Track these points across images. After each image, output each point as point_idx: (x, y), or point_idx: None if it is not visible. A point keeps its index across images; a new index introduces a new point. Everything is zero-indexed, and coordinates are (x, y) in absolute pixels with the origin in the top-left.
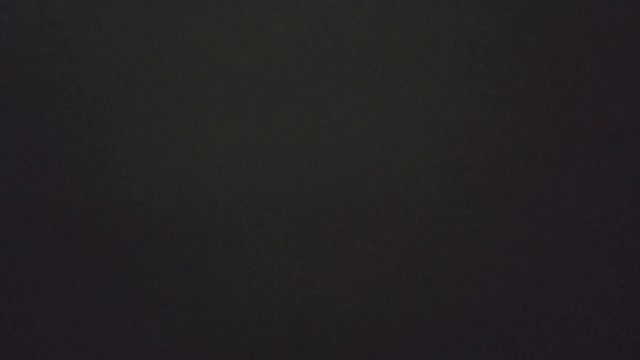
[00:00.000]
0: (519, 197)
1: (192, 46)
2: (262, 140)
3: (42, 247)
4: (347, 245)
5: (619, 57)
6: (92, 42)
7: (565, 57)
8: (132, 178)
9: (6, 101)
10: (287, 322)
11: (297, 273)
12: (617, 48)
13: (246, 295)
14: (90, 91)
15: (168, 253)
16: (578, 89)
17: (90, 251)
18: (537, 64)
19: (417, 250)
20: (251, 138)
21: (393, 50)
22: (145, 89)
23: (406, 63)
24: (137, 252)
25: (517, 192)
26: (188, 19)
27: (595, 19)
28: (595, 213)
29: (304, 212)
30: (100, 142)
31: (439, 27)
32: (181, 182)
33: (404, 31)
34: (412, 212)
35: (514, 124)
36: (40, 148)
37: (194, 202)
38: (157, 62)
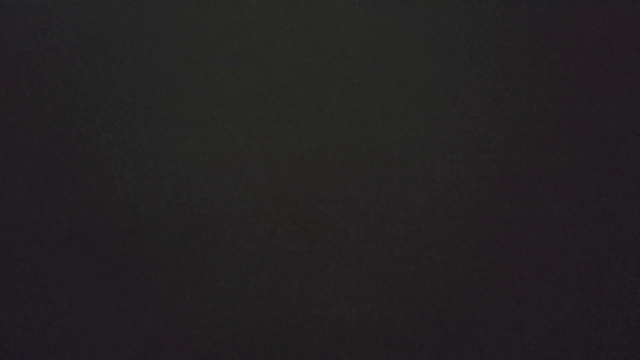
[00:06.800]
0: (522, 196)
1: (197, 46)
2: (266, 141)
3: (44, 248)
4: (351, 246)
5: (620, 56)
6: (96, 42)
7: (567, 55)
8: (135, 179)
9: (9, 102)
10: (290, 325)
11: (300, 275)
12: (618, 48)
13: (248, 297)
14: (93, 92)
15: (171, 255)
16: (580, 88)
17: (92, 253)
18: (539, 63)
19: (420, 250)
20: (255, 139)
21: (395, 50)
22: (148, 89)
23: (409, 63)
24: (140, 254)
25: (520, 190)
26: (190, 18)
27: (597, 17)
28: (598, 212)
29: (306, 212)
30: (103, 143)
31: (442, 26)
32: (184, 184)
33: (407, 31)
34: (416, 212)
35: (517, 122)
36: (44, 148)
37: (197, 205)
38: (161, 62)
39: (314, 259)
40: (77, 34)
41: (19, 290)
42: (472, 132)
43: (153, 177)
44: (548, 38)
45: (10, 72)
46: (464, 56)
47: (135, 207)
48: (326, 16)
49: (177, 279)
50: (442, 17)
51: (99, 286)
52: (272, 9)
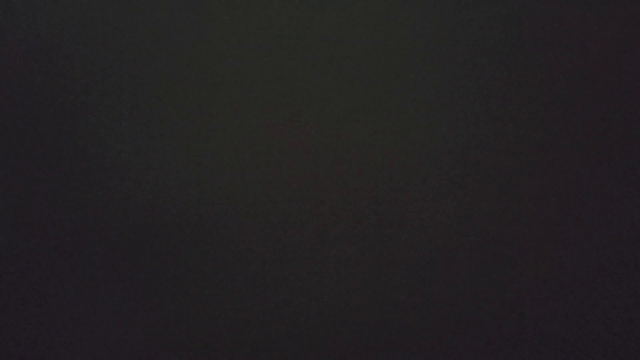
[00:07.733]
0: (523, 196)
1: (193, 46)
2: (265, 141)
3: (45, 249)
4: (351, 245)
5: (620, 56)
6: (92, 41)
7: (568, 55)
8: (133, 180)
9: (9, 102)
10: (291, 323)
11: (302, 275)
12: (618, 48)
13: (249, 296)
14: (90, 92)
15: (172, 255)
16: (581, 88)
17: (93, 253)
18: (540, 62)
19: (422, 249)
20: (255, 139)
21: (396, 49)
22: (146, 89)
23: (410, 63)
24: (139, 255)
25: (521, 191)
26: (188, 17)
27: (596, 17)
28: (600, 212)
29: (306, 212)
30: (99, 144)
31: (442, 26)
32: (183, 184)
33: (408, 30)
34: (417, 211)
35: (518, 122)
36: (44, 149)
37: (196, 204)
38: (162, 62)
39: (315, 259)
40: (78, 34)
41: (19, 291)
42: (473, 131)
43: (154, 176)
44: (548, 38)
45: (10, 72)
46: (464, 56)
47: (136, 206)
48: (326, 16)
49: (178, 279)
50: (442, 17)
51: (99, 286)
52: (273, 8)
